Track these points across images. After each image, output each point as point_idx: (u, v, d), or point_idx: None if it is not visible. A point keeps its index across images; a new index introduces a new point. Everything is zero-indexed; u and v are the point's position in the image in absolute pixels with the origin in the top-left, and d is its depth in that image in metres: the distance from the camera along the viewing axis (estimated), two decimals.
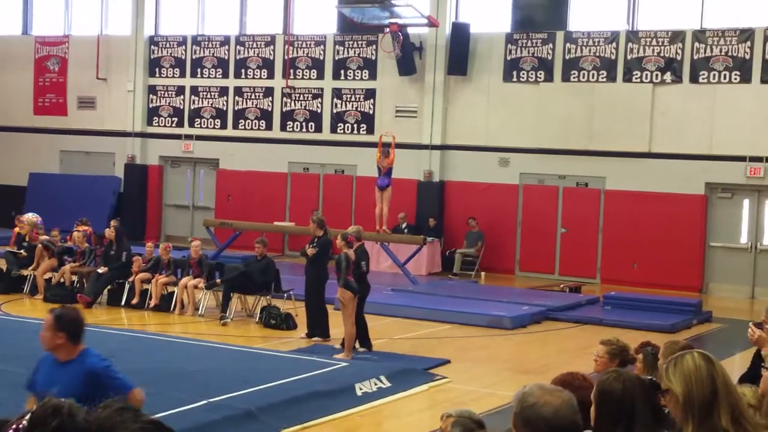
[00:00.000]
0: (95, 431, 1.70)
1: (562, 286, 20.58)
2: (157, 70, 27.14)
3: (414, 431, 9.78)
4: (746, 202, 21.30)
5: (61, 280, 17.52)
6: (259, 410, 9.56)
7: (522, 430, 3.32)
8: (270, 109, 25.72)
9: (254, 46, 25.92)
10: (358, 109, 24.66)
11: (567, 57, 22.48)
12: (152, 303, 16.54)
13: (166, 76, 27.03)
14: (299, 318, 15.54)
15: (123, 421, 1.72)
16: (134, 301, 16.75)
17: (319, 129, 25.10)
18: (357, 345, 13.42)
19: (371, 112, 24.51)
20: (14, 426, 1.72)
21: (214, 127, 26.43)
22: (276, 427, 9.34)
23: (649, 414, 3.59)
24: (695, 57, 21.32)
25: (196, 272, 16.60)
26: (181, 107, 26.86)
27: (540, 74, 22.72)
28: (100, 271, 16.99)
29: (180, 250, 20.92)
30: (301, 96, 25.31)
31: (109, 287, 17.08)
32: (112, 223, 18.66)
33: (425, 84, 23.65)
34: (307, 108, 25.24)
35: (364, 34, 24.44)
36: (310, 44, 25.22)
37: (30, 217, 20.05)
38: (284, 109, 25.53)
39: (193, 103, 26.70)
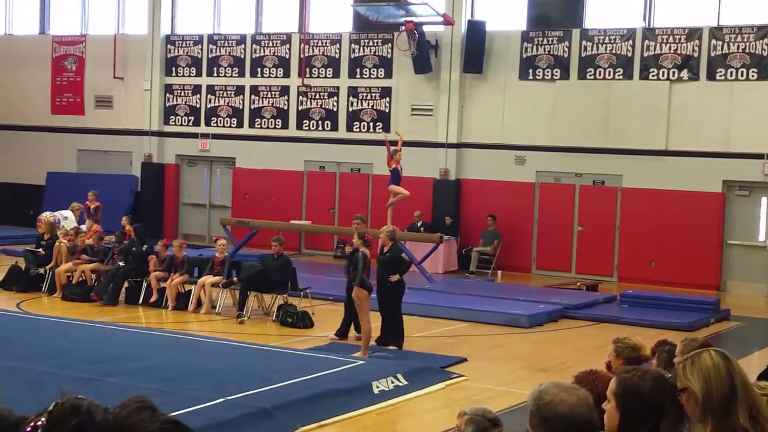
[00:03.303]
0: (114, 430, 1.70)
1: (578, 284, 20.52)
2: (173, 69, 27.22)
3: (430, 429, 9.77)
4: (764, 200, 21.20)
5: (81, 278, 17.58)
6: (276, 408, 9.58)
7: (538, 428, 3.31)
8: (286, 107, 25.75)
9: (270, 44, 25.96)
10: (374, 107, 24.67)
11: (583, 54, 22.42)
12: (170, 305, 16.56)
13: (183, 75, 27.11)
14: (316, 316, 15.57)
15: (142, 420, 1.72)
16: (152, 299, 16.79)
17: (335, 127, 25.12)
18: (374, 341, 13.45)
19: (387, 110, 24.51)
20: (32, 424, 1.72)
21: (230, 126, 26.49)
22: (293, 425, 9.35)
23: (675, 411, 3.57)
24: (712, 54, 21.23)
25: (218, 270, 16.63)
26: (198, 106, 26.93)
27: (556, 72, 22.67)
28: (121, 264, 17.10)
29: (197, 249, 21.01)
30: (317, 94, 25.33)
31: (126, 285, 17.12)
32: (124, 220, 18.77)
33: (441, 82, 23.63)
34: (323, 106, 25.27)
35: (380, 33, 24.44)
36: (325, 43, 25.25)
37: (47, 216, 20.16)
38: (300, 108, 25.56)
39: (210, 102, 26.76)
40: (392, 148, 19.88)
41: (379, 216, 21.75)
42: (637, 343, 6.18)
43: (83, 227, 19.78)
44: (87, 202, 21.86)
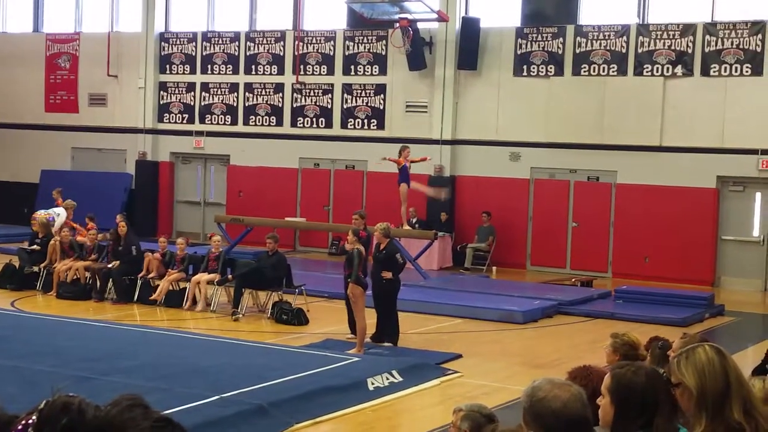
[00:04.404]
0: (105, 428, 1.69)
1: (573, 280, 20.55)
2: (167, 66, 27.18)
3: (426, 426, 9.77)
4: (758, 195, 21.22)
5: (75, 276, 17.57)
6: (271, 405, 9.58)
7: (532, 424, 3.31)
8: (280, 105, 25.73)
9: (264, 42, 25.94)
10: (369, 104, 24.66)
11: (577, 51, 22.43)
12: (157, 297, 16.53)
13: (177, 73, 27.07)
14: (311, 313, 15.58)
15: (133, 418, 1.71)
16: (157, 296, 16.71)
17: (329, 124, 25.11)
18: (369, 338, 13.47)
19: (381, 107, 24.50)
20: (23, 422, 1.72)
21: (224, 124, 26.46)
22: (288, 422, 9.36)
23: (669, 406, 3.57)
24: (706, 50, 21.24)
25: (213, 267, 16.62)
26: (192, 104, 26.90)
27: (550, 68, 22.67)
28: (110, 266, 17.07)
29: (192, 246, 20.97)
30: (312, 92, 25.32)
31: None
32: (118, 218, 18.73)
33: (435, 79, 23.62)
34: (318, 104, 25.25)
35: (374, 30, 24.42)
36: (320, 40, 25.23)
37: (41, 214, 20.11)
38: (294, 105, 25.53)
39: (204, 99, 26.73)
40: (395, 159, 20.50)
41: (374, 213, 21.72)
42: (636, 341, 6.18)
43: (57, 221, 19.66)
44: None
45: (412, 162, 20.72)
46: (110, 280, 17.06)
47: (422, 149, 23.37)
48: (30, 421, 1.71)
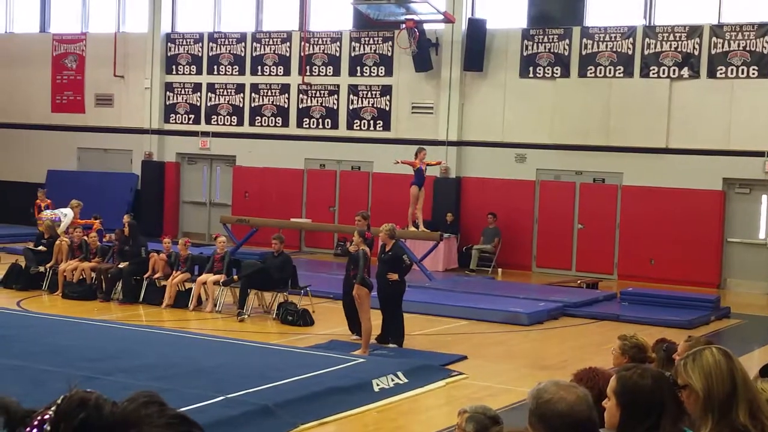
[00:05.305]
0: (121, 425, 1.70)
1: (579, 282, 20.53)
2: (173, 67, 27.21)
3: (431, 427, 9.78)
4: (764, 198, 21.20)
5: (81, 276, 17.60)
6: (276, 406, 9.59)
7: (537, 426, 3.32)
8: (286, 105, 25.75)
9: (270, 43, 25.96)
10: (375, 105, 24.67)
11: (584, 52, 22.42)
12: (164, 303, 16.53)
13: (183, 74, 27.10)
14: (316, 314, 15.59)
15: (149, 415, 1.72)
16: (166, 302, 16.69)
17: (335, 125, 25.12)
18: (374, 339, 13.48)
19: (387, 108, 24.51)
20: (39, 418, 1.73)
21: (230, 124, 26.49)
22: (293, 422, 9.36)
23: (675, 409, 3.58)
24: (713, 52, 21.23)
25: (218, 268, 16.63)
26: (198, 104, 26.93)
27: (557, 70, 22.67)
28: (120, 266, 17.08)
29: (197, 247, 21.01)
30: (318, 93, 25.33)
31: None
32: (125, 218, 18.75)
33: (441, 80, 23.63)
34: (324, 105, 25.27)
35: (380, 31, 24.44)
36: (326, 41, 25.25)
37: (47, 216, 20.16)
38: (300, 106, 25.55)
39: (210, 100, 26.76)
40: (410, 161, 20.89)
41: (379, 214, 21.73)
42: (645, 343, 6.17)
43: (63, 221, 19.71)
44: (38, 201, 21.79)
45: (428, 165, 20.83)
46: (118, 280, 17.05)
47: (428, 150, 23.36)
48: (47, 416, 1.72)
